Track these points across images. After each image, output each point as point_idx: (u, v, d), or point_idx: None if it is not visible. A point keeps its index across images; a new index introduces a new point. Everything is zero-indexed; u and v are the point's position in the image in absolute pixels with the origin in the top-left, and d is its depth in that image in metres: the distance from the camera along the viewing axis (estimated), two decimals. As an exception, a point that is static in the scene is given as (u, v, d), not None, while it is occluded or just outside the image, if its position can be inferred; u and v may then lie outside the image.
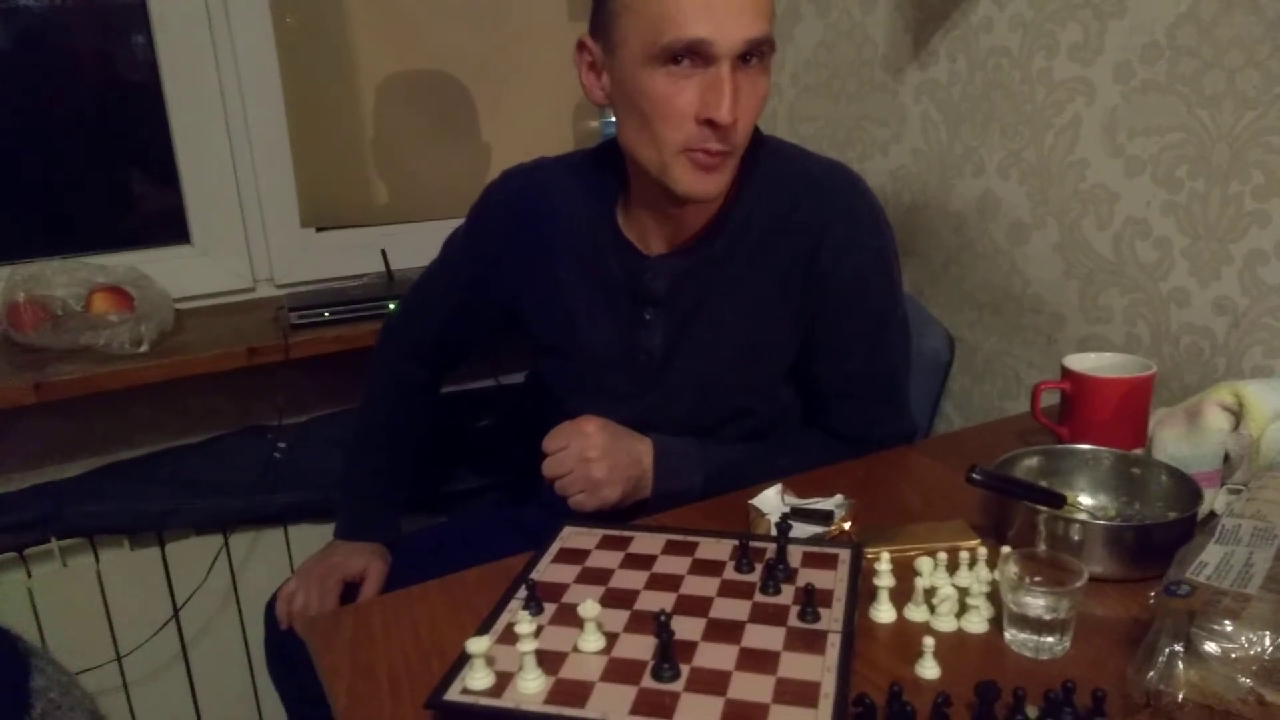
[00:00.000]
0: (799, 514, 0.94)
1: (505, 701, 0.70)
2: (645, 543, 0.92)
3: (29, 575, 1.48)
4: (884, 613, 0.81)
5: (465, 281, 1.22)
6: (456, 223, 1.24)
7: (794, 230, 1.06)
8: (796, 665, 0.73)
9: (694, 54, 0.92)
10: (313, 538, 1.62)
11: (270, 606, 1.24)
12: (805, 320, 1.09)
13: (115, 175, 1.71)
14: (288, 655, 1.20)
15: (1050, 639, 0.75)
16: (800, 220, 1.06)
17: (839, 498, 0.96)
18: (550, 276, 1.15)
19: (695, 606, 0.81)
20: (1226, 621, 0.66)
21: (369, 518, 1.29)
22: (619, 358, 1.13)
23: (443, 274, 1.26)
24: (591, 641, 0.75)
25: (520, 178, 1.19)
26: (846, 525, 0.94)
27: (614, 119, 1.04)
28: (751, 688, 0.70)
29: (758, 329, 1.10)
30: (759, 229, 1.07)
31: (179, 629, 1.60)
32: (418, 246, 1.52)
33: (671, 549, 0.91)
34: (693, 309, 1.09)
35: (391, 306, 1.52)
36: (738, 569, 0.86)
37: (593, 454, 1.02)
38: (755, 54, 0.95)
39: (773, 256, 1.07)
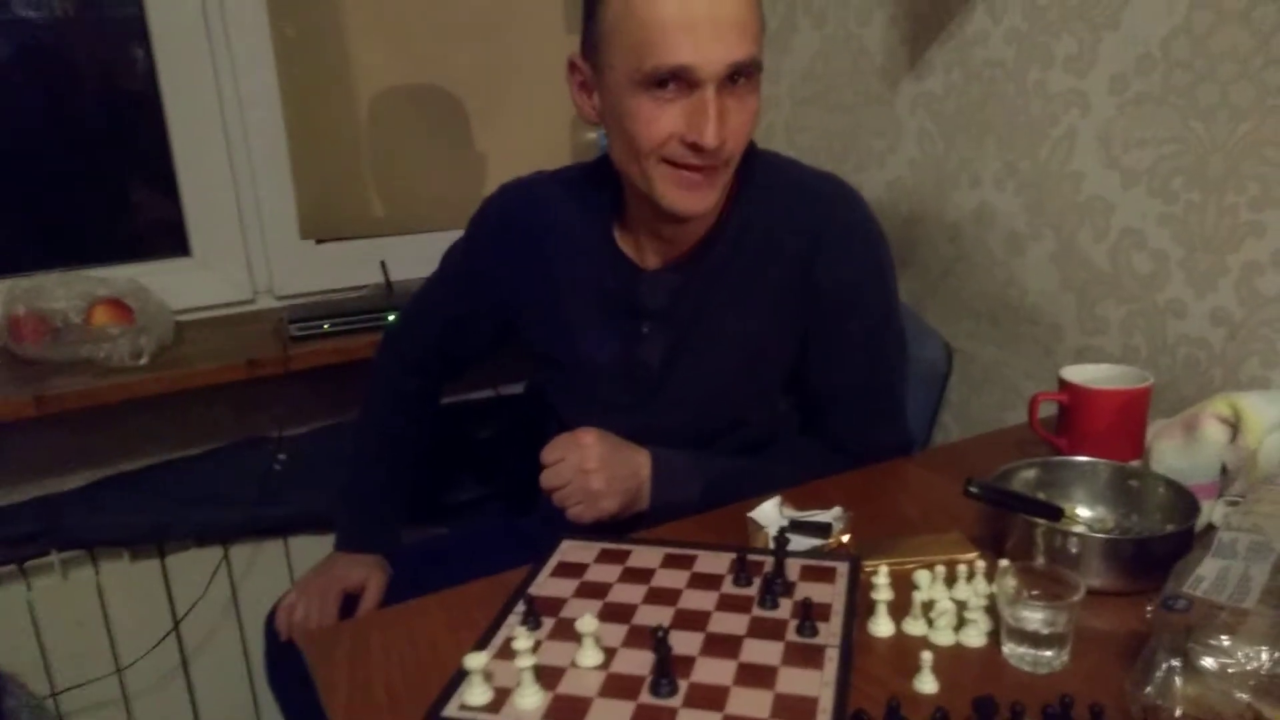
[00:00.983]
0: (797, 527, 0.94)
1: (503, 717, 0.70)
2: (644, 556, 0.92)
3: (29, 588, 1.48)
4: (882, 626, 0.82)
5: (464, 293, 1.23)
6: (456, 234, 1.25)
7: (789, 242, 1.07)
8: (794, 680, 0.73)
9: (678, 79, 0.93)
10: (313, 549, 1.62)
11: (270, 618, 1.24)
12: (801, 332, 1.10)
13: (115, 187, 1.72)
14: (288, 667, 1.19)
15: (1048, 653, 0.75)
16: (795, 232, 1.07)
17: (837, 510, 0.96)
18: (548, 289, 1.15)
19: (693, 621, 0.81)
20: (1223, 636, 0.67)
21: (369, 529, 1.29)
22: (617, 371, 1.13)
23: (442, 286, 1.27)
24: (589, 657, 0.76)
25: (517, 192, 1.20)
26: (844, 538, 0.94)
27: (610, 133, 1.04)
28: (749, 703, 0.70)
29: (754, 341, 1.10)
30: (754, 242, 1.07)
31: (179, 641, 1.60)
32: (417, 258, 1.53)
33: (670, 562, 0.91)
34: (690, 322, 1.10)
35: (391, 318, 1.52)
36: (736, 583, 0.86)
37: (591, 465, 1.03)
38: (743, 74, 0.95)
39: (768, 269, 1.07)
